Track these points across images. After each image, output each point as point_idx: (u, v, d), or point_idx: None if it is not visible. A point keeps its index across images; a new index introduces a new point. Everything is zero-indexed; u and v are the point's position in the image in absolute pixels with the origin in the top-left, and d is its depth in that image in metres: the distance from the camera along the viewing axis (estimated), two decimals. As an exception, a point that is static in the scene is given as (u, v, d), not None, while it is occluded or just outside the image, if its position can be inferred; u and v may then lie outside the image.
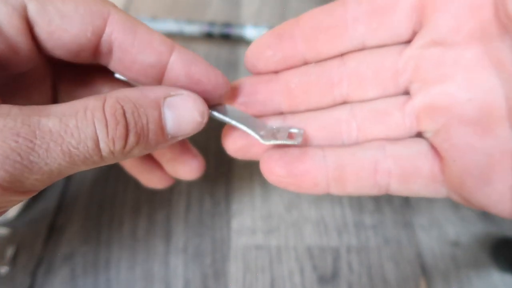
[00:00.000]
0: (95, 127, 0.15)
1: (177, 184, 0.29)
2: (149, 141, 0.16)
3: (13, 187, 0.14)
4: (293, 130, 0.20)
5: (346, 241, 0.27)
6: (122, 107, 0.15)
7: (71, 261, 0.25)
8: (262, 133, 0.20)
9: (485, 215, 0.28)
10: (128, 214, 0.27)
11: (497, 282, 0.25)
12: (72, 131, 0.14)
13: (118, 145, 0.15)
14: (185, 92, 0.17)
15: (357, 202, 0.28)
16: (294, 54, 0.20)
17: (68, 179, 0.29)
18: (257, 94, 0.21)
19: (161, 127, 0.17)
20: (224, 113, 0.20)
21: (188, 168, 0.23)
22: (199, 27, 0.36)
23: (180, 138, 0.18)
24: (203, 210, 0.28)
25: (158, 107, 0.16)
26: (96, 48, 0.17)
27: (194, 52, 0.19)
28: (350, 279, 0.25)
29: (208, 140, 0.31)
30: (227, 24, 0.36)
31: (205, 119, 0.18)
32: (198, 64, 0.18)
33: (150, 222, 0.27)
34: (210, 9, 0.41)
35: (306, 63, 0.20)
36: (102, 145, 0.15)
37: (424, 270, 0.26)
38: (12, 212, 0.27)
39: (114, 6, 0.17)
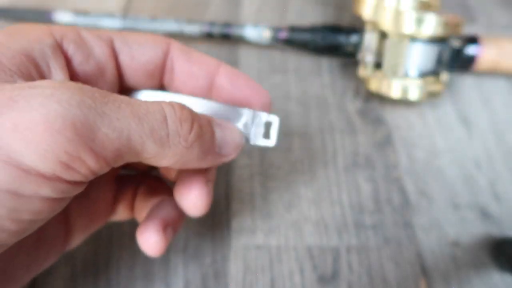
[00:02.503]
0: (162, 107, 0.16)
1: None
2: (206, 141, 0.18)
3: (84, 136, 0.14)
4: (269, 118, 0.21)
5: (346, 241, 0.27)
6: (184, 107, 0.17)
7: (71, 261, 0.25)
8: (240, 124, 0.20)
9: (485, 215, 0.28)
10: (128, 214, 0.27)
11: (497, 282, 0.25)
12: (140, 104, 0.16)
13: (185, 126, 0.16)
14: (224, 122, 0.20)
15: (357, 202, 0.28)
16: None
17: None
18: None
19: (213, 134, 0.18)
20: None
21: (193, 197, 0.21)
22: (199, 27, 0.36)
23: (223, 160, 0.19)
24: (203, 210, 0.28)
25: (209, 121, 0.18)
26: (163, 66, 0.21)
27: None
28: (350, 279, 0.25)
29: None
30: (227, 24, 0.36)
31: (243, 143, 0.20)
32: (244, 83, 0.21)
33: (150, 222, 0.27)
34: (210, 9, 0.41)
35: None
36: (170, 121, 0.16)
37: (424, 270, 0.26)
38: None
39: (172, 38, 0.21)
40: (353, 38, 0.34)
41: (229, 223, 0.27)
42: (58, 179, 0.14)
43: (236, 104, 0.21)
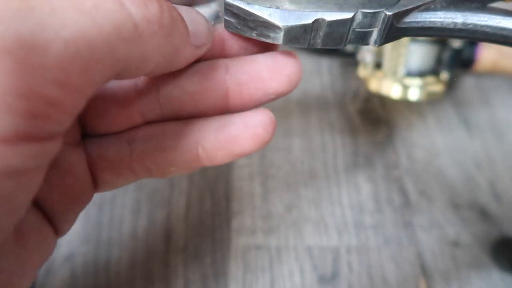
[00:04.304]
0: None
1: (177, 184, 0.29)
2: (180, 27, 0.14)
3: (30, 61, 0.10)
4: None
5: (346, 241, 0.27)
6: None
7: (71, 261, 0.25)
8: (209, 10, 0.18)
9: (485, 215, 0.28)
10: (128, 214, 0.27)
11: (497, 282, 0.25)
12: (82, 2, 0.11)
13: (153, 7, 0.12)
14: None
15: (357, 202, 0.28)
16: None
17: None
18: None
19: (183, 19, 0.14)
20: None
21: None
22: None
23: (198, 52, 0.16)
24: (203, 210, 0.28)
25: (171, 5, 0.14)
26: None
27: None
28: (350, 279, 0.25)
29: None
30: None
31: (212, 29, 0.16)
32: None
33: (150, 222, 0.27)
34: (210, 9, 0.41)
35: None
36: (129, 5, 0.12)
37: (424, 270, 0.26)
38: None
39: None
40: (353, 38, 0.34)
41: (229, 223, 0.27)
42: (24, 137, 0.10)
43: None
